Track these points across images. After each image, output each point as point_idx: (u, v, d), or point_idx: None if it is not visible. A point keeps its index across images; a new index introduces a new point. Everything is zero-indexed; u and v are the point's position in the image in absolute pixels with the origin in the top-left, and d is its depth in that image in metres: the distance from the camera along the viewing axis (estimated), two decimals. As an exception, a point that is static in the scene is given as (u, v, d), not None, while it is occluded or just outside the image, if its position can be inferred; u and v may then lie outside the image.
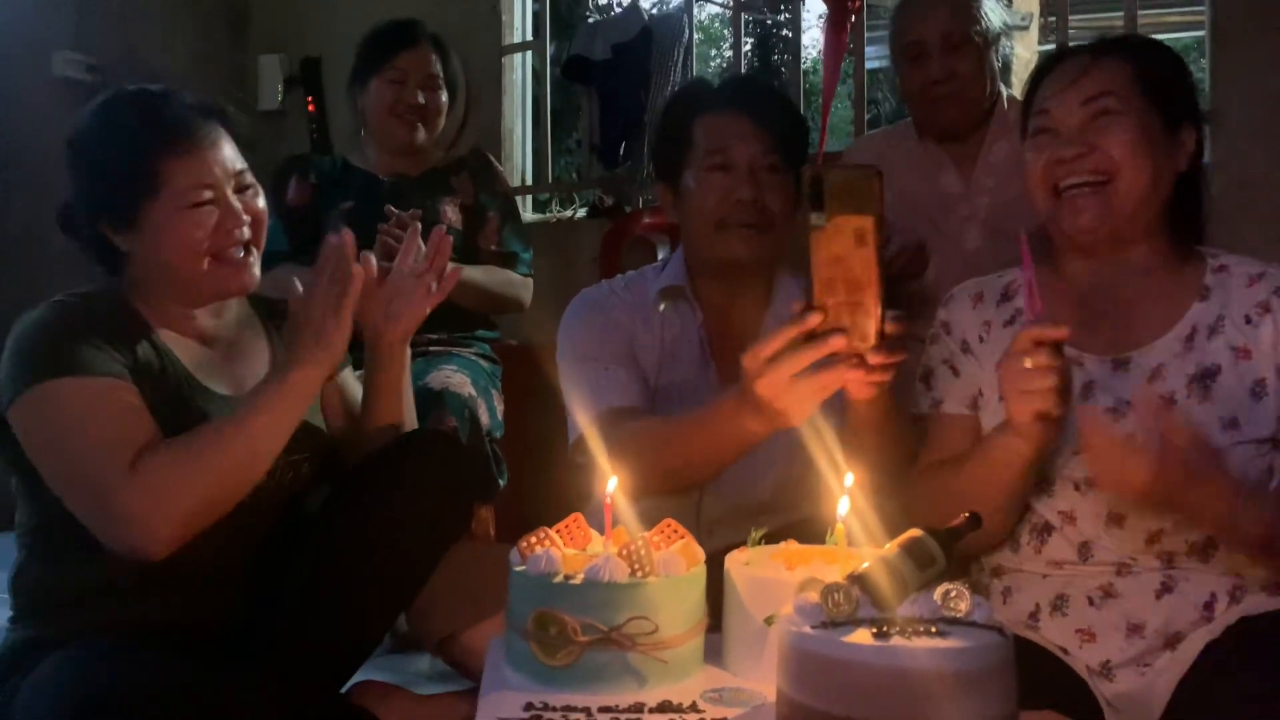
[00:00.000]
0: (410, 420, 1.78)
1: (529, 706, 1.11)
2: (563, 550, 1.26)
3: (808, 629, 0.99)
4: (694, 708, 1.12)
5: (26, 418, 1.44)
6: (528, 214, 4.04)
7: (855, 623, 1.00)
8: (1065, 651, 1.53)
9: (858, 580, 1.04)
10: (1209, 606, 1.45)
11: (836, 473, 1.33)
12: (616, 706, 1.12)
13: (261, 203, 1.62)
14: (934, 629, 0.97)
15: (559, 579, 1.18)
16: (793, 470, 1.71)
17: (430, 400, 2.38)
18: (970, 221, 2.43)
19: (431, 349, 2.66)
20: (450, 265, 1.72)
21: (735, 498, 1.77)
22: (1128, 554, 1.46)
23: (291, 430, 1.50)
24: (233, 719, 1.43)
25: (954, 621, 1.01)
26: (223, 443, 1.44)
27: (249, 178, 1.60)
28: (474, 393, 2.53)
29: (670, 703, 1.13)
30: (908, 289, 2.15)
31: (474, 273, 2.60)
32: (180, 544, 1.40)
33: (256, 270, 1.60)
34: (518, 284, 2.76)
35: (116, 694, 1.29)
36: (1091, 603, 1.49)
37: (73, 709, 1.29)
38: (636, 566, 1.19)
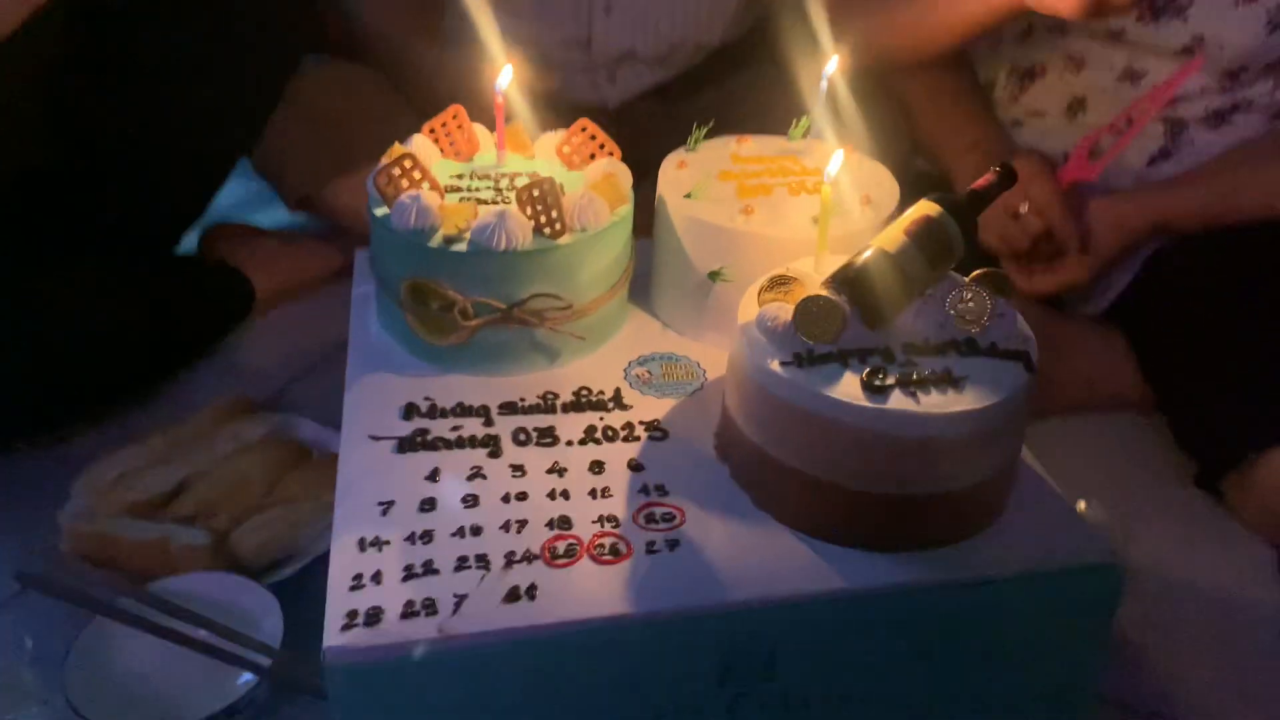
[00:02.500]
0: None
1: (410, 411, 0.86)
2: (440, 189, 0.92)
3: (776, 366, 0.73)
4: (617, 400, 0.89)
5: None
6: None
7: (841, 357, 0.74)
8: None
9: (847, 287, 0.76)
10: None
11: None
12: (521, 403, 0.88)
13: None
14: (944, 376, 0.72)
15: (437, 242, 0.86)
16: None
17: None
18: None
19: None
20: None
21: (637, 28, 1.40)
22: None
23: None
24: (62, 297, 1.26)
25: (969, 346, 0.76)
26: None
27: None
28: None
29: (588, 393, 0.90)
30: None
31: None
32: None
33: None
34: None
35: None
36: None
37: None
38: (543, 222, 0.87)
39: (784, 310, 0.76)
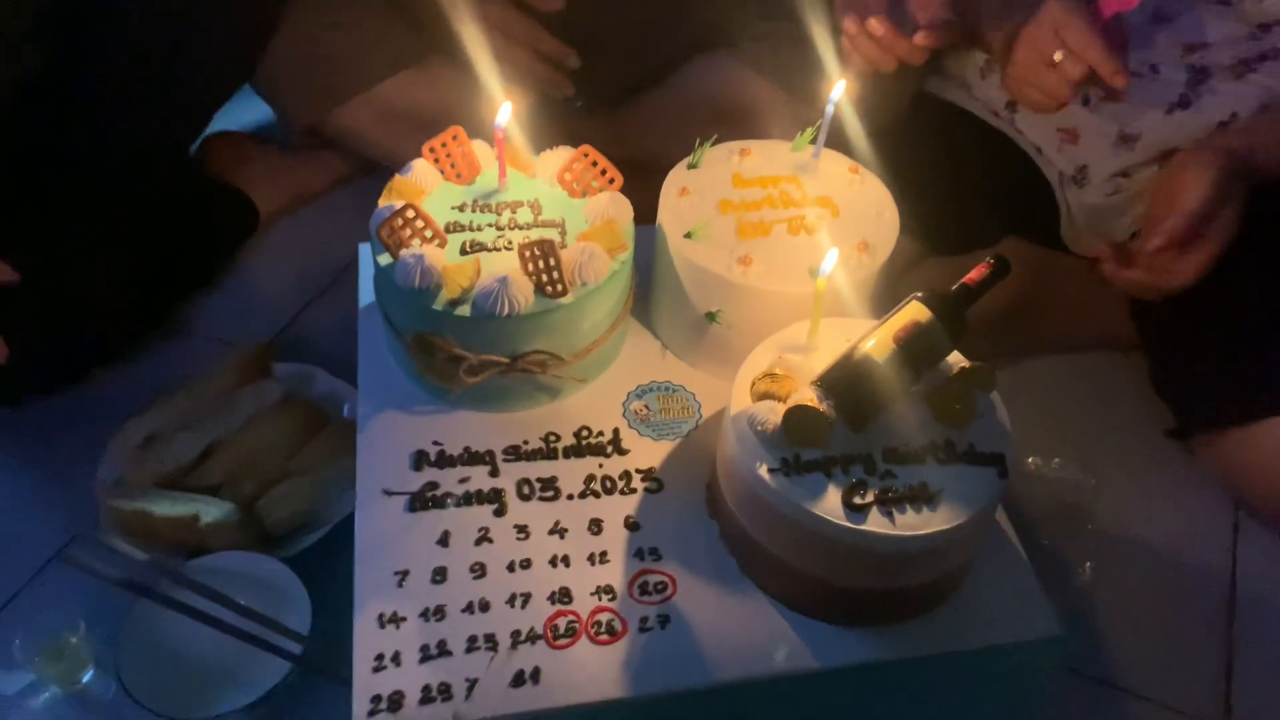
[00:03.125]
0: None
1: (420, 461, 0.92)
2: (442, 236, 0.93)
3: (765, 473, 0.79)
4: (615, 444, 0.95)
5: None
6: None
7: (826, 465, 0.79)
8: (1039, 152, 1.38)
9: (834, 394, 0.80)
10: (1223, 126, 1.25)
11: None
12: (525, 446, 0.94)
13: None
14: (920, 491, 0.78)
15: (441, 305, 0.89)
16: None
17: None
18: None
19: None
20: None
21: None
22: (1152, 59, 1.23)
23: None
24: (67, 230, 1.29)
25: (947, 451, 0.81)
26: None
27: None
28: None
29: (588, 433, 0.96)
30: None
31: None
32: None
33: None
34: None
35: None
36: (1086, 101, 1.28)
37: None
38: (545, 281, 0.90)
39: (774, 413, 0.80)
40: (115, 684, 1.02)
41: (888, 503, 0.77)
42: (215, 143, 1.60)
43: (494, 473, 0.92)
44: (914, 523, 0.76)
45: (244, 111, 1.67)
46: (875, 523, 0.76)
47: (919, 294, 0.81)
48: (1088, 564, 1.23)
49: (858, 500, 0.77)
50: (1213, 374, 1.20)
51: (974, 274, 0.82)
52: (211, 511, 1.14)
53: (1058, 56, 1.05)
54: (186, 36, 1.34)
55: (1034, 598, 0.86)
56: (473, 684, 0.79)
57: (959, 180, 1.37)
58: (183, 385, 1.29)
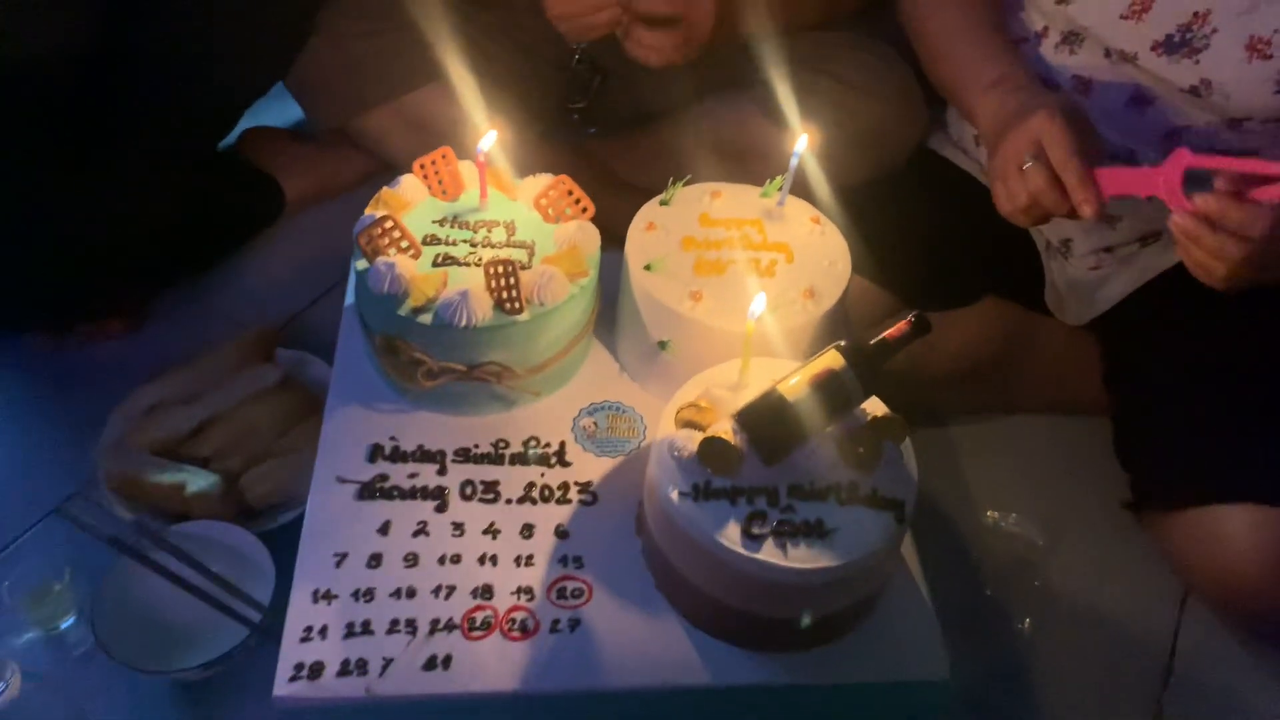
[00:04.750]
0: None
1: (375, 453, 1.00)
2: (418, 247, 1.00)
3: (675, 496, 0.84)
4: (560, 456, 1.01)
5: None
6: None
7: (732, 494, 0.85)
8: None
9: (748, 428, 0.86)
10: None
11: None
12: (475, 449, 1.01)
13: None
14: (815, 527, 0.83)
15: (406, 311, 0.96)
16: None
17: None
18: None
19: None
20: None
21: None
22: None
23: None
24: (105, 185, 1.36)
25: (849, 493, 0.86)
26: None
27: None
28: None
29: (536, 443, 1.02)
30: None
31: None
32: None
33: None
34: None
35: None
36: None
37: None
38: (505, 298, 0.97)
39: (692, 441, 0.86)
40: (93, 635, 1.10)
41: (783, 535, 0.82)
42: (252, 135, 1.69)
43: (442, 471, 0.99)
44: (805, 556, 0.82)
45: (285, 108, 1.76)
46: (769, 552, 0.81)
47: (839, 344, 0.87)
48: (1027, 619, 1.26)
49: (755, 530, 0.82)
50: (1169, 452, 1.20)
51: (894, 330, 0.87)
52: (197, 482, 1.22)
53: (1026, 164, 1.02)
54: (228, 34, 1.44)
55: (928, 640, 0.91)
56: (388, 663, 0.85)
57: (947, 235, 1.39)
58: (186, 364, 1.37)
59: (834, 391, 0.85)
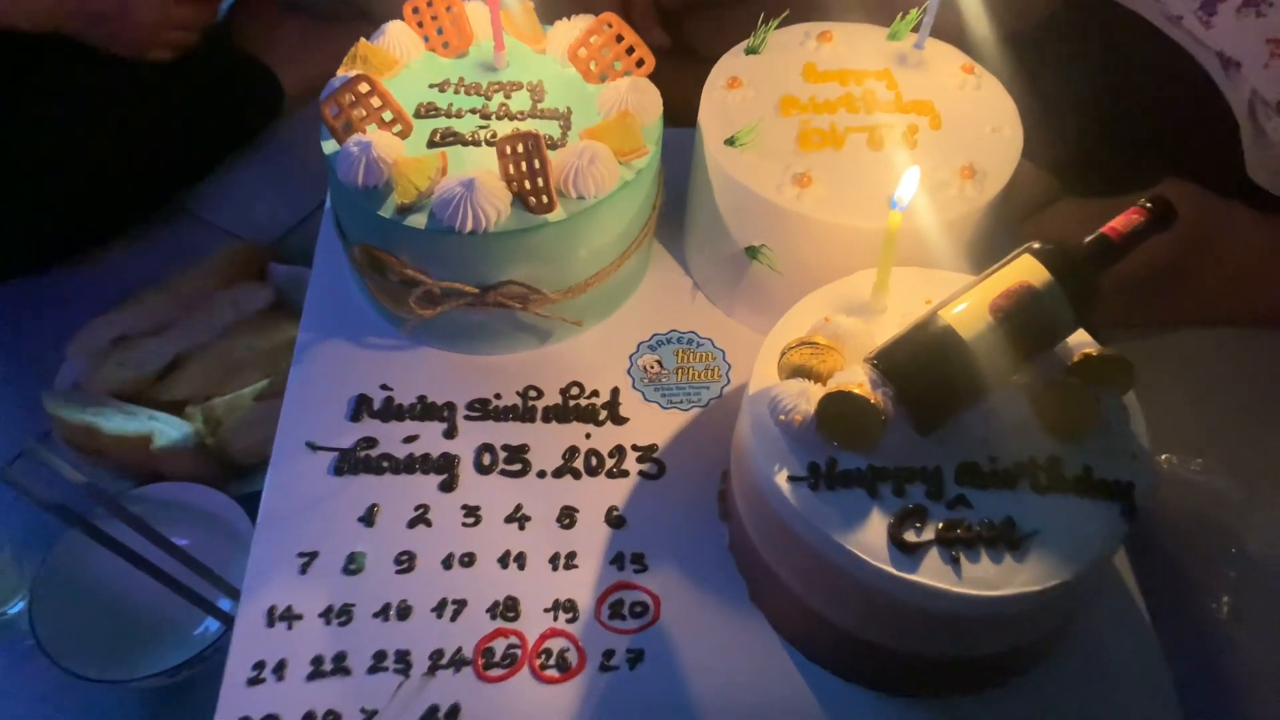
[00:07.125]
0: None
1: (360, 408, 0.72)
2: (406, 119, 0.71)
3: (783, 481, 0.56)
4: (612, 409, 0.73)
5: None
6: None
7: (871, 479, 0.56)
8: (1230, 69, 1.11)
9: (895, 380, 0.56)
10: None
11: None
12: (496, 401, 0.73)
13: None
14: (1003, 532, 0.54)
15: (389, 212, 0.68)
16: None
17: None
18: None
19: None
20: None
21: None
22: None
23: None
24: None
25: (1051, 473, 0.56)
26: None
27: None
28: None
29: (579, 392, 0.74)
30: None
31: None
32: None
33: None
34: None
35: None
36: None
37: None
38: (527, 189, 0.67)
39: (806, 398, 0.57)
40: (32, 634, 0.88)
41: (954, 543, 0.53)
42: (241, 16, 1.41)
43: (450, 433, 0.72)
44: (989, 577, 0.52)
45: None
46: (932, 571, 0.53)
47: (1035, 245, 0.56)
48: (1225, 598, 0.98)
49: (910, 536, 0.53)
50: None
51: (1120, 221, 0.56)
52: (168, 433, 0.98)
53: None
54: None
55: (1150, 674, 0.62)
56: (370, 717, 0.59)
57: (1114, 100, 1.13)
58: (160, 285, 1.12)
59: (1031, 319, 0.55)
